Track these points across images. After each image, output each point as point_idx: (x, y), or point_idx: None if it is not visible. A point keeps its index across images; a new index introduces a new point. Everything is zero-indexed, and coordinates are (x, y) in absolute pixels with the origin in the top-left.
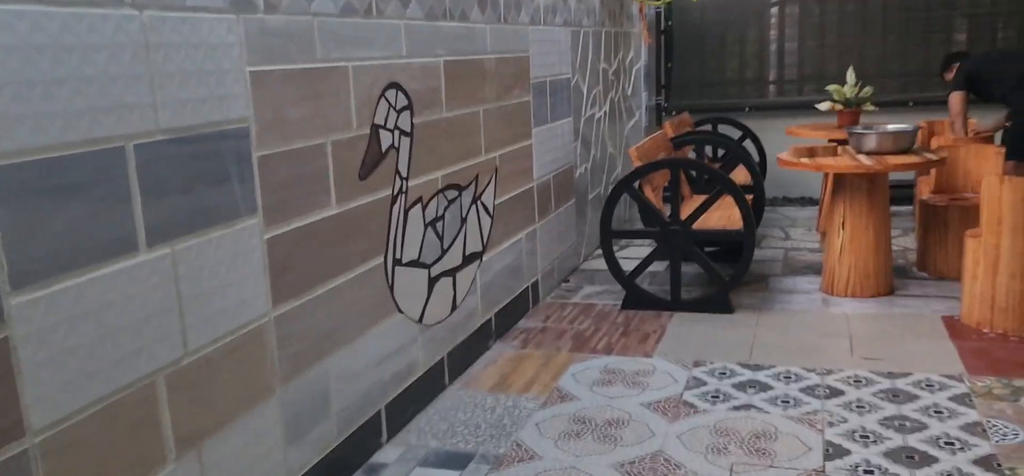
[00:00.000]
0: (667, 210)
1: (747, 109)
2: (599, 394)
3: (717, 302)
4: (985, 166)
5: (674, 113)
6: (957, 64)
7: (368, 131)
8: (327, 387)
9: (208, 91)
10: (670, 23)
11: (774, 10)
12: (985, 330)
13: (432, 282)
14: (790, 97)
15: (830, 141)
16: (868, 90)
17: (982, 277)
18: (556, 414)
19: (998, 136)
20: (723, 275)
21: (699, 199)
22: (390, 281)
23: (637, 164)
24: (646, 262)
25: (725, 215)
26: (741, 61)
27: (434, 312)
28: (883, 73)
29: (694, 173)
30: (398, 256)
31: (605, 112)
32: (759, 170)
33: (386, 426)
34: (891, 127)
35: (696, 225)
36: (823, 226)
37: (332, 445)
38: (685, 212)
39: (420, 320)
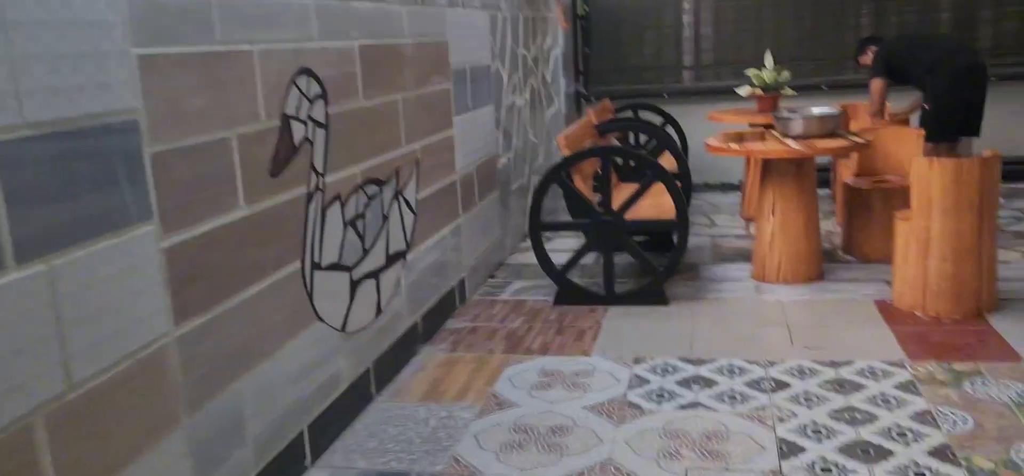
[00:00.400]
0: (597, 200)
1: (666, 95)
2: (539, 398)
3: (652, 294)
4: (904, 149)
5: (594, 100)
6: (872, 48)
7: (278, 123)
8: (242, 410)
9: (85, 77)
10: (587, 8)
11: None
12: (918, 314)
13: (354, 285)
14: (708, 82)
15: (752, 125)
16: (786, 74)
17: (913, 260)
18: (495, 423)
19: (914, 118)
20: (657, 266)
21: (627, 188)
22: (309, 287)
23: (566, 153)
24: (579, 255)
25: (656, 204)
26: (658, 46)
27: (358, 318)
28: (797, 57)
29: (622, 161)
30: (317, 259)
31: (526, 99)
32: (678, 148)
33: (310, 447)
34: (816, 110)
35: (628, 215)
36: (748, 212)
37: (250, 475)
38: (615, 202)
39: (343, 328)
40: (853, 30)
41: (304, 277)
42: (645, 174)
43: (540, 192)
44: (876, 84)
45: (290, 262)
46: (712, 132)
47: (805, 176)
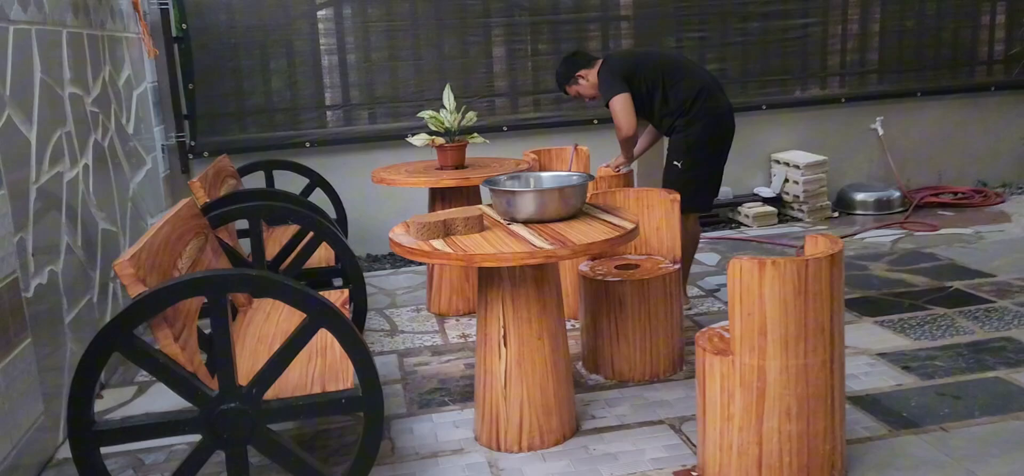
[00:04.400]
0: (210, 362)
1: (308, 144)
2: None
3: None
4: (652, 217)
5: (206, 154)
6: (587, 70)
7: None
8: None
9: None
10: (185, 27)
11: (325, 13)
12: None
13: None
14: (361, 125)
15: (435, 193)
16: (472, 116)
17: (741, 418)
18: None
19: (643, 171)
20: (326, 473)
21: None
22: None
23: (140, 289)
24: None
25: (307, 360)
26: (291, 79)
27: None
28: (467, 93)
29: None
30: None
31: (86, 165)
32: (343, 238)
33: None
34: (547, 176)
35: (272, 393)
36: (440, 307)
37: None
38: (241, 369)
39: None
40: (531, 57)
41: None
42: (309, 311)
43: (87, 370)
44: (623, 102)
45: None
46: (375, 195)
47: (548, 281)
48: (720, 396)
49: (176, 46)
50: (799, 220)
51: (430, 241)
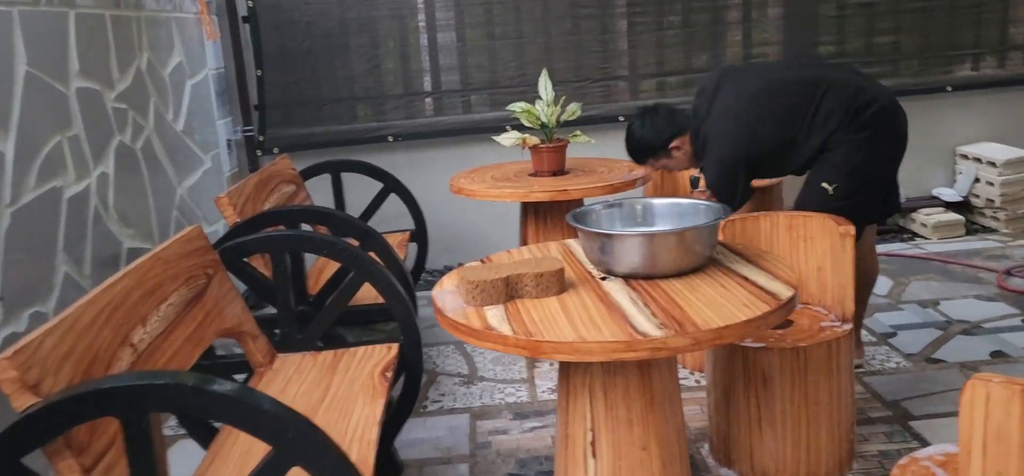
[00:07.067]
0: None
1: (392, 138)
2: None
3: None
4: (810, 254)
5: (275, 151)
6: (683, 132)
7: None
8: None
9: None
10: (253, 5)
11: None
12: None
13: None
14: (453, 116)
15: (528, 209)
16: (574, 108)
17: None
18: None
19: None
20: None
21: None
22: None
23: (29, 401)
24: None
25: None
26: (373, 64)
27: None
28: (579, 76)
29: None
30: None
31: (103, 174)
32: (391, 280)
33: None
34: (661, 204)
35: None
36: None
37: None
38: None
39: None
40: (656, 31)
41: None
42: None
43: None
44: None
45: None
46: (453, 210)
47: (658, 365)
48: None
49: (244, 26)
50: (993, 231)
51: (484, 308)
